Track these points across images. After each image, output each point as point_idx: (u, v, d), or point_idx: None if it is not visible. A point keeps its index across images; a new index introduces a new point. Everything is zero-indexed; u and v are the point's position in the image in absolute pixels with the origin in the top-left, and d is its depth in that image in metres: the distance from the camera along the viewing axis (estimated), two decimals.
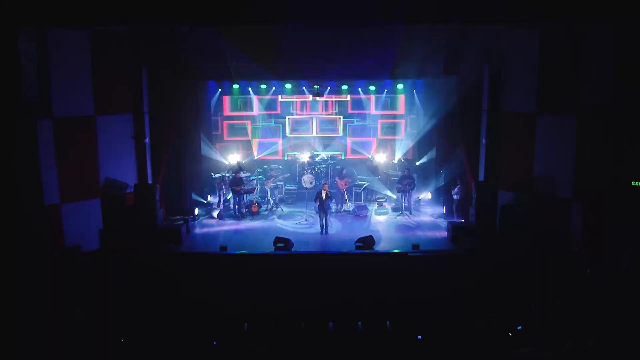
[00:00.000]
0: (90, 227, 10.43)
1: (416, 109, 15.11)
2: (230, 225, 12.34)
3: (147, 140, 11.46)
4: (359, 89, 15.21)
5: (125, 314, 7.46)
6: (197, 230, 11.89)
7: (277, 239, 10.26)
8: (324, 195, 11.38)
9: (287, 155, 15.60)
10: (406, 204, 13.19)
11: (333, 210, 12.86)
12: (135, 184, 11.20)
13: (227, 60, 11.23)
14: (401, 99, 15.26)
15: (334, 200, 12.37)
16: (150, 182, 11.48)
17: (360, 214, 13.02)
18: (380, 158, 15.32)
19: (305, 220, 12.42)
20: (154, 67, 11.11)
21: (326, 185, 11.65)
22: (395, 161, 15.30)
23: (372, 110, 15.54)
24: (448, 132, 12.96)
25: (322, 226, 11.46)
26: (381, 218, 12.98)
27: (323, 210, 11.42)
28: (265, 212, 13.42)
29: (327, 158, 15.47)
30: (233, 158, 15.05)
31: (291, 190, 14.90)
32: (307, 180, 14.15)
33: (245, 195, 13.14)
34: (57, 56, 9.60)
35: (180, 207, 12.61)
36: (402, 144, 15.42)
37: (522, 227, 10.22)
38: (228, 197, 13.50)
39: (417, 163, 14.52)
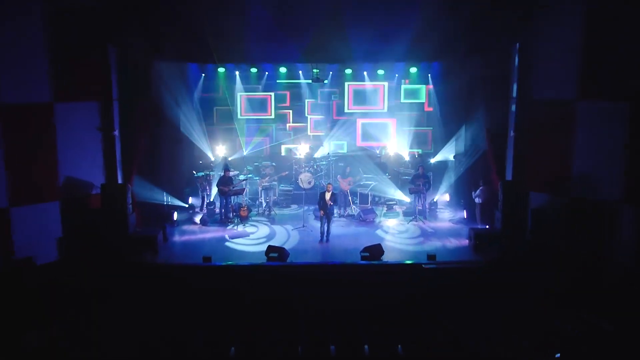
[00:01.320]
0: (46, 235, 10.16)
1: (431, 97, 15.08)
2: (215, 232, 12.28)
3: (116, 132, 11.25)
4: (364, 73, 15.10)
5: (87, 338, 7.26)
6: (177, 238, 11.82)
7: (270, 248, 10.15)
8: (328, 197, 11.30)
9: (287, 150, 15.64)
10: (420, 207, 13.19)
11: (335, 215, 12.79)
12: (102, 184, 10.99)
13: (208, 38, 11.36)
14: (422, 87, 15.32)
15: (336, 203, 12.33)
16: (120, 181, 11.38)
17: (366, 218, 13.00)
18: (389, 153, 15.27)
19: (303, 226, 12.34)
20: (124, 47, 10.93)
21: (331, 186, 11.53)
22: (407, 157, 15.26)
23: (381, 103, 15.52)
24: (469, 124, 12.92)
25: (322, 233, 11.38)
26: (391, 223, 12.94)
27: (325, 214, 11.33)
28: (256, 217, 13.41)
29: (328, 154, 15.40)
30: (220, 151, 14.98)
31: (286, 191, 14.84)
32: (305, 179, 14.10)
33: (233, 198, 13.07)
34: (5, 34, 9.33)
35: (157, 211, 12.53)
36: (414, 137, 15.40)
37: (557, 234, 10.10)
38: (212, 199, 13.57)
39: (432, 160, 14.56)
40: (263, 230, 12.43)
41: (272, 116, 15.78)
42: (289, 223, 12.86)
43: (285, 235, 11.93)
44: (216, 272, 9.46)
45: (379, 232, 12.26)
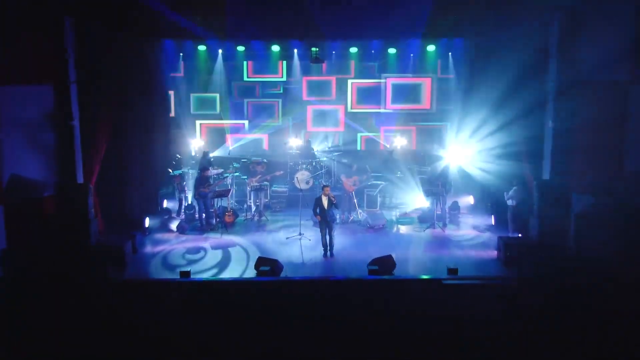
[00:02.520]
0: None
1: (452, 80, 15.16)
2: (194, 241, 12.36)
3: (75, 122, 11.00)
4: (372, 52, 15.07)
5: None
6: (148, 249, 11.83)
7: (261, 260, 10.13)
8: (325, 202, 11.22)
9: (282, 143, 15.93)
10: (439, 212, 13.24)
11: (338, 221, 12.89)
12: (57, 184, 10.77)
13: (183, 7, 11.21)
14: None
15: (339, 208, 12.34)
16: (80, 181, 11.19)
17: (375, 225, 13.08)
18: (402, 148, 15.36)
19: (300, 234, 12.39)
20: (83, 18, 10.69)
21: (328, 189, 11.42)
22: (423, 152, 15.44)
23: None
24: (498, 111, 13.01)
25: (325, 245, 11.33)
26: (404, 231, 13.05)
27: (325, 222, 11.25)
28: (244, 223, 13.54)
29: (329, 148, 15.63)
30: (197, 144, 15.08)
31: (280, 193, 14.92)
32: (302, 178, 14.22)
33: (215, 201, 13.12)
34: None
35: (124, 216, 12.53)
36: (432, 129, 15.56)
37: (607, 244, 9.83)
38: (191, 202, 13.80)
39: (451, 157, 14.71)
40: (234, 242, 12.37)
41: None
42: (282, 231, 12.91)
43: (279, 246, 11.88)
44: (196, 289, 9.28)
45: (390, 241, 12.31)
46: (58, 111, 10.74)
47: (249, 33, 12.62)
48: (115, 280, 9.87)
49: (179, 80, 15.50)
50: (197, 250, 11.77)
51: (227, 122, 16.24)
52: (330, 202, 11.21)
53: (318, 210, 11.29)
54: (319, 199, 11.32)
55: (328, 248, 11.30)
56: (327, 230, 11.28)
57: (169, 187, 14.24)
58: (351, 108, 16.48)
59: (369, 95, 16.32)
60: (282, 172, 14.36)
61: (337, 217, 12.66)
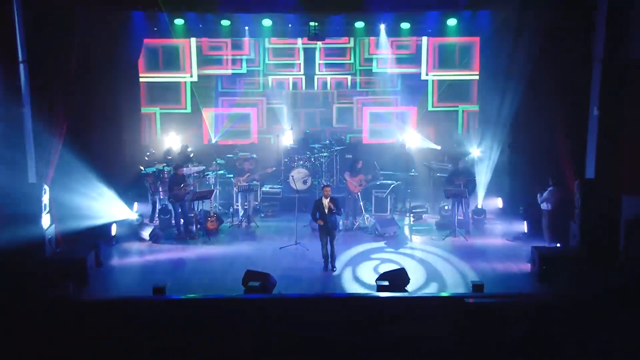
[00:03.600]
0: None
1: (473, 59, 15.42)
2: (170, 252, 12.46)
3: (25, 109, 11.03)
4: (381, 27, 15.23)
5: None
6: (116, 262, 11.91)
7: (249, 275, 10.07)
8: (325, 206, 11.28)
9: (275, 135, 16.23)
10: (461, 217, 13.36)
11: (341, 228, 13.04)
12: (3, 183, 10.71)
13: None
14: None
15: (342, 213, 12.27)
16: (32, 180, 11.21)
17: (384, 232, 13.16)
18: (416, 141, 15.46)
19: (296, 244, 12.51)
20: None
21: (328, 189, 11.45)
22: (440, 147, 15.54)
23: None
24: (531, 98, 13.12)
25: (325, 257, 11.41)
26: (419, 240, 13.11)
27: (326, 230, 11.31)
28: (230, 230, 13.66)
29: (330, 142, 15.71)
30: (172, 141, 15.21)
31: (272, 194, 15.03)
32: (298, 177, 14.35)
33: (196, 204, 13.23)
34: None
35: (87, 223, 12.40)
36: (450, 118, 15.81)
37: None
38: (164, 205, 13.90)
39: (474, 151, 14.63)
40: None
41: (261, 89, 16.67)
42: (275, 239, 13.00)
43: (272, 258, 11.99)
44: (172, 309, 9.26)
45: (402, 251, 12.39)
46: (5, 96, 10.79)
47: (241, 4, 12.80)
48: (75, 300, 9.89)
49: (151, 59, 15.69)
50: (174, 262, 11.83)
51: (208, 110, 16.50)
52: (331, 204, 11.28)
53: (318, 215, 11.34)
54: (319, 202, 11.38)
55: (329, 260, 11.36)
56: (329, 239, 11.32)
57: (140, 187, 14.29)
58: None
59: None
60: (273, 168, 14.46)
61: (341, 222, 12.76)
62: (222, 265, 11.66)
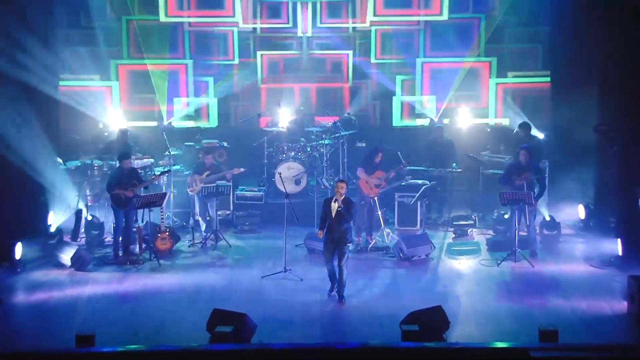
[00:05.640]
0: None
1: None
2: (102, 283, 12.50)
3: None
4: None
5: None
6: (21, 298, 11.91)
7: (218, 315, 10.08)
8: (334, 210, 11.41)
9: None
10: (524, 233, 13.46)
11: (352, 247, 12.81)
12: None
13: None
14: None
15: (352, 218, 12.20)
16: None
17: (413, 255, 13.25)
18: (459, 121, 15.77)
19: (285, 271, 12.60)
20: None
21: (343, 186, 11.51)
22: (489, 129, 15.90)
23: None
24: (619, 71, 13.27)
25: (331, 274, 11.62)
26: (464, 265, 13.22)
27: (333, 242, 11.40)
28: (189, 251, 13.78)
29: (334, 124, 15.66)
30: (112, 117, 15.43)
31: (250, 200, 15.14)
32: (288, 175, 14.53)
33: (141, 214, 13.36)
34: None
35: None
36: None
37: None
38: (93, 217, 13.77)
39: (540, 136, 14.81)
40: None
41: None
42: (255, 265, 13.12)
43: (250, 291, 12.02)
44: None
45: (438, 282, 12.47)
46: None
47: None
48: None
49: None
50: (108, 298, 11.75)
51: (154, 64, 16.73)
52: (341, 207, 11.32)
53: (327, 222, 11.46)
54: (328, 203, 11.50)
55: (336, 283, 11.55)
56: (337, 256, 11.41)
57: (59, 190, 14.13)
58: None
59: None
60: (242, 169, 14.53)
61: (353, 241, 12.66)
62: (178, 301, 11.59)
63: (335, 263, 11.41)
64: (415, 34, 17.68)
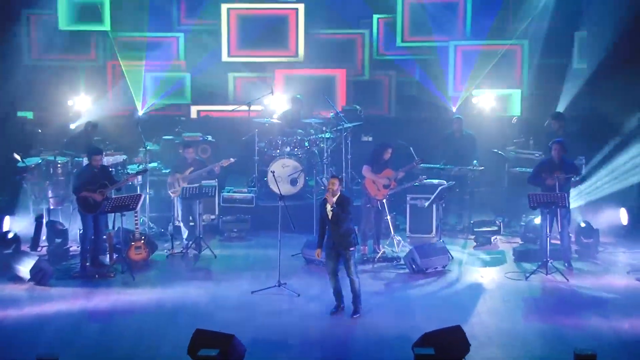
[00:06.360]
0: None
1: None
2: (66, 299, 12.50)
3: None
4: None
5: None
6: None
7: (201, 337, 9.89)
8: (330, 211, 11.50)
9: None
10: (557, 241, 13.57)
11: (357, 256, 12.77)
12: None
13: None
14: None
15: (349, 217, 12.17)
16: None
17: (427, 267, 13.40)
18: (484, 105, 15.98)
19: (279, 285, 12.71)
20: None
21: (335, 182, 11.52)
22: (515, 120, 16.05)
23: None
24: None
25: (337, 292, 11.72)
26: (487, 278, 13.35)
27: (334, 247, 11.53)
28: (168, 262, 13.96)
29: (336, 115, 15.83)
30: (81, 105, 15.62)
31: (239, 203, 15.24)
32: (283, 174, 14.70)
33: (113, 217, 13.33)
34: None
35: None
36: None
37: None
38: (55, 222, 13.72)
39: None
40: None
41: None
42: (244, 278, 13.25)
43: (238, 308, 12.09)
44: None
45: (456, 298, 12.57)
46: None
47: None
48: None
49: None
50: (73, 317, 11.66)
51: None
52: (335, 208, 11.36)
53: (327, 228, 11.55)
54: (324, 204, 11.60)
55: (354, 297, 11.54)
56: (343, 263, 11.51)
57: (15, 191, 14.32)
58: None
59: None
60: (231, 160, 14.45)
61: (359, 239, 12.65)
62: (155, 320, 11.55)
63: (335, 279, 11.48)
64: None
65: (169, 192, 14.19)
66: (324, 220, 11.52)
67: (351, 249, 11.47)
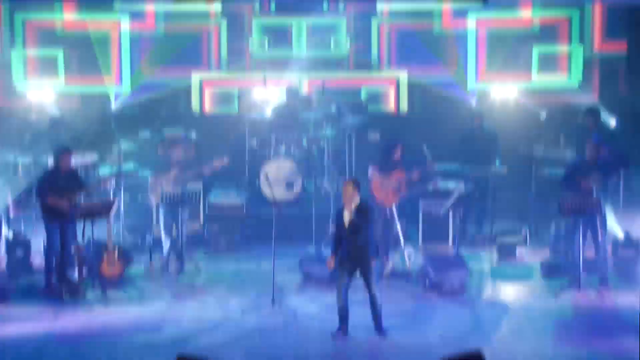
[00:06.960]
0: None
1: None
2: (28, 321, 12.49)
3: None
4: None
5: None
6: None
7: None
8: (347, 221, 11.47)
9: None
10: (591, 254, 13.53)
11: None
12: None
13: None
14: None
15: (372, 227, 12.46)
16: None
17: (442, 281, 13.42)
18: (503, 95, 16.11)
19: (273, 304, 12.79)
20: None
21: (349, 188, 11.57)
22: (544, 115, 16.09)
23: None
24: None
25: (342, 312, 11.63)
26: (510, 296, 13.59)
27: (350, 259, 11.45)
28: (145, 278, 14.10)
29: (339, 109, 15.88)
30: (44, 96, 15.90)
31: (227, 211, 15.17)
32: (277, 177, 14.72)
33: (82, 226, 13.46)
34: None
35: None
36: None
37: None
38: (16, 233, 13.87)
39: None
40: None
41: None
42: (233, 295, 13.41)
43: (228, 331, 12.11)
44: None
45: (476, 318, 12.60)
46: None
47: None
48: None
49: None
50: (36, 342, 11.60)
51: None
52: (353, 219, 11.31)
53: (341, 241, 11.56)
54: (340, 214, 11.61)
55: (373, 315, 11.55)
56: (364, 278, 11.51)
57: None
58: None
59: None
60: (225, 160, 14.33)
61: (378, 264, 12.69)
62: (130, 344, 11.49)
63: (343, 295, 11.41)
64: None
65: (152, 197, 14.16)
66: (339, 229, 11.51)
67: (372, 260, 11.50)
